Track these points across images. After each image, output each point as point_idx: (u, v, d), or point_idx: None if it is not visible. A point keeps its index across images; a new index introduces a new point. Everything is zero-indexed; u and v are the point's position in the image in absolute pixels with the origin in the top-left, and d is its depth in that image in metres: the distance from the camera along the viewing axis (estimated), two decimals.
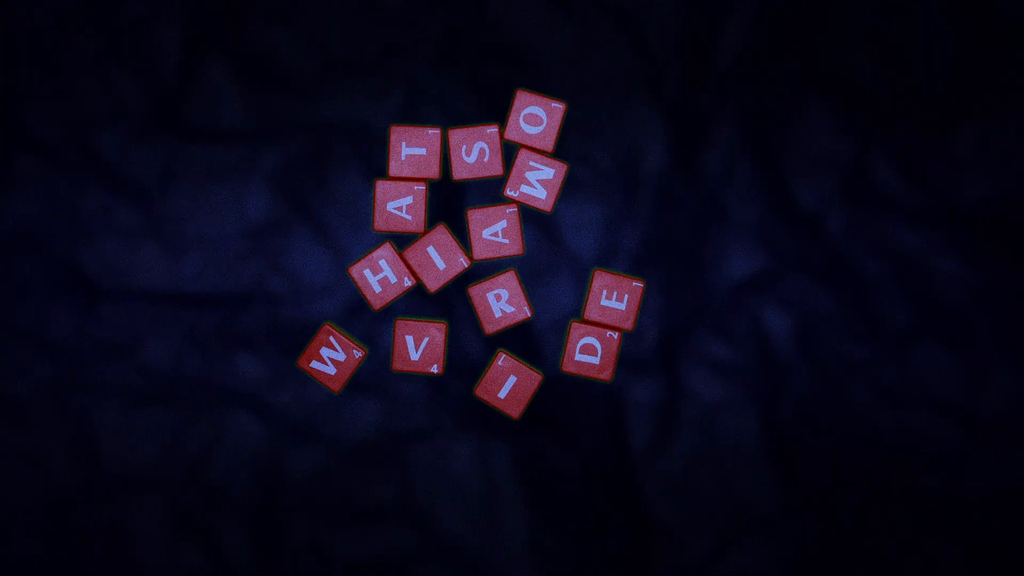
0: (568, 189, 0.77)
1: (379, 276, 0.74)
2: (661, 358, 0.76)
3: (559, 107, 0.74)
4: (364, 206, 0.77)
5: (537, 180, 0.74)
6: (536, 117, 0.74)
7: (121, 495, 0.77)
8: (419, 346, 0.75)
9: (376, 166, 0.77)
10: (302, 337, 0.77)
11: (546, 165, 0.74)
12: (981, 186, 0.76)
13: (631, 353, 0.77)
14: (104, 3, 0.77)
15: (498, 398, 0.75)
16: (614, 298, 0.74)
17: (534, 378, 0.75)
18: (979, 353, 0.75)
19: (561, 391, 0.76)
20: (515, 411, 0.75)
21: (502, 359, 0.75)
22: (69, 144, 0.77)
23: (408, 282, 0.74)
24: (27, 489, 0.77)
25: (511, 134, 0.74)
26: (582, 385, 0.77)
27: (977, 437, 0.75)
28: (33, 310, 0.77)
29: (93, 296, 0.77)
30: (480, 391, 0.75)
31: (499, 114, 0.76)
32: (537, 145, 0.75)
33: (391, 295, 0.75)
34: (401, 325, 0.75)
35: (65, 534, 0.77)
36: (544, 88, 0.76)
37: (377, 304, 0.75)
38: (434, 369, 0.75)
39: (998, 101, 0.76)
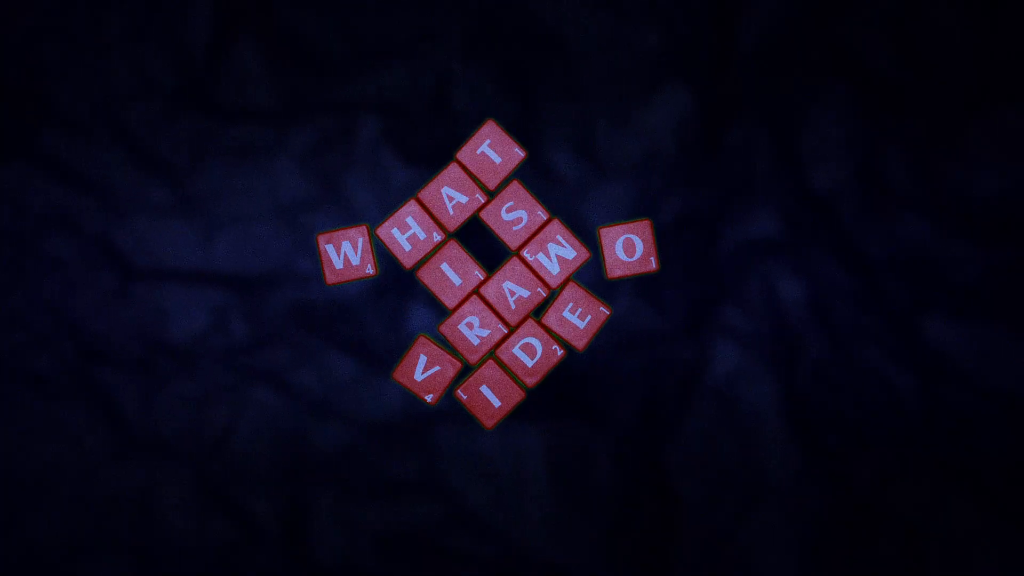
0: (599, 175, 0.78)
1: (408, 234, 0.74)
2: (684, 330, 0.78)
3: (653, 267, 0.74)
4: (393, 187, 0.78)
5: (556, 254, 0.74)
6: (633, 247, 0.74)
7: (147, 465, 0.77)
8: (428, 370, 0.74)
9: (406, 147, 0.78)
10: (328, 317, 0.78)
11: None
12: (990, 180, 0.77)
13: (655, 325, 0.78)
14: None
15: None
16: (576, 314, 0.74)
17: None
18: (990, 328, 0.77)
19: (584, 369, 0.78)
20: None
21: (421, 344, 0.74)
22: (100, 122, 0.78)
23: (438, 237, 0.74)
24: (55, 458, 0.77)
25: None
26: (606, 362, 0.78)
27: (995, 406, 0.77)
28: (63, 287, 0.77)
29: (124, 273, 0.77)
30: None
31: (526, 97, 0.77)
32: (632, 270, 0.75)
33: (421, 252, 0.74)
34: (422, 343, 0.74)
35: (92, 502, 0.77)
36: (576, 71, 0.78)
37: (408, 262, 0.74)
38: (428, 398, 0.74)
39: (1010, 97, 0.78)
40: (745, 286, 0.77)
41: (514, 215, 0.74)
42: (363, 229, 0.74)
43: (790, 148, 0.78)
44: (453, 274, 0.74)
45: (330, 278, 0.73)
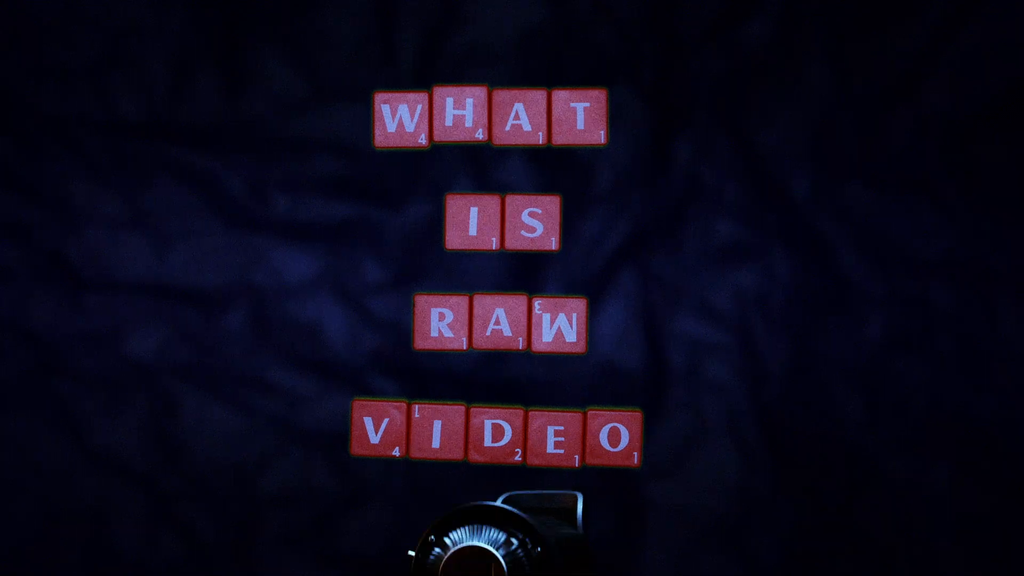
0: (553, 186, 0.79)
1: (457, 112, 0.69)
2: (648, 341, 0.79)
3: (635, 463, 0.72)
4: (339, 207, 0.79)
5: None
6: (618, 437, 0.72)
7: (100, 481, 0.77)
8: (379, 429, 0.71)
9: (356, 182, 0.80)
10: (285, 333, 0.78)
11: None
12: (944, 144, 0.78)
13: (619, 339, 0.79)
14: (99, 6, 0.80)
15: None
16: (554, 441, 0.71)
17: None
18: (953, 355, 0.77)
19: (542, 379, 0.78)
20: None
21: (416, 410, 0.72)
22: (54, 135, 0.79)
23: (481, 135, 0.69)
24: (5, 473, 0.77)
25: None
26: (563, 375, 0.78)
27: (956, 427, 0.77)
28: (16, 297, 0.78)
29: (77, 285, 0.78)
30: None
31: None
32: (611, 462, 0.72)
33: (452, 137, 0.69)
34: (359, 406, 0.71)
35: (42, 518, 0.77)
36: (522, 81, 0.79)
37: (437, 137, 0.69)
38: (396, 452, 0.71)
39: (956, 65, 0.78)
40: (710, 293, 0.78)
41: (532, 222, 0.70)
42: (424, 96, 0.69)
43: (743, 135, 0.78)
44: (475, 219, 0.70)
45: (379, 141, 0.68)
